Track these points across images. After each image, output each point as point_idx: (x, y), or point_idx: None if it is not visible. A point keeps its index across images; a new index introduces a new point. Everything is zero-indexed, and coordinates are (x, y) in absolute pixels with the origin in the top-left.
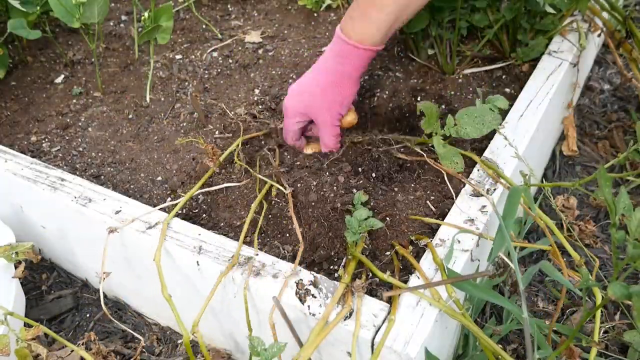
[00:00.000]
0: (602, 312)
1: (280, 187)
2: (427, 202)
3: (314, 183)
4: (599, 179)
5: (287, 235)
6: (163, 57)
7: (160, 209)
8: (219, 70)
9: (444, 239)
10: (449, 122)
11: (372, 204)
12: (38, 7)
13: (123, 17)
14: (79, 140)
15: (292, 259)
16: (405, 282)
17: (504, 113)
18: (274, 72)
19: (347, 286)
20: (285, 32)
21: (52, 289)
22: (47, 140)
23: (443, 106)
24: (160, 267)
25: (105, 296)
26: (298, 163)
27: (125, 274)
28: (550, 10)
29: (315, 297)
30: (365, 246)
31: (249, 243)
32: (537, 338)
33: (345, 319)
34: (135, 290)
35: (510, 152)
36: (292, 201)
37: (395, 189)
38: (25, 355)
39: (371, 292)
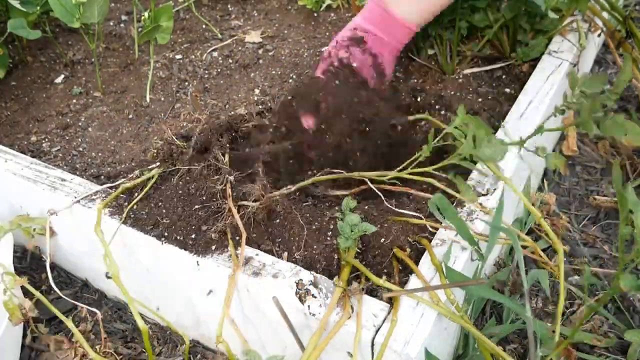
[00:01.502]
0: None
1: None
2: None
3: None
4: (613, 175)
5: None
6: (163, 57)
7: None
8: (219, 70)
9: (443, 239)
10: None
11: (363, 216)
12: (38, 7)
13: (123, 17)
14: (79, 140)
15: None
16: (406, 282)
17: (503, 113)
18: (274, 72)
19: (344, 290)
20: (285, 32)
21: (51, 289)
22: (47, 140)
23: (443, 111)
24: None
25: (105, 296)
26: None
27: (123, 273)
28: (552, 15)
29: (315, 297)
30: (362, 249)
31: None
32: (540, 336)
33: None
34: (135, 292)
35: (510, 152)
36: None
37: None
38: (14, 308)
39: (371, 292)
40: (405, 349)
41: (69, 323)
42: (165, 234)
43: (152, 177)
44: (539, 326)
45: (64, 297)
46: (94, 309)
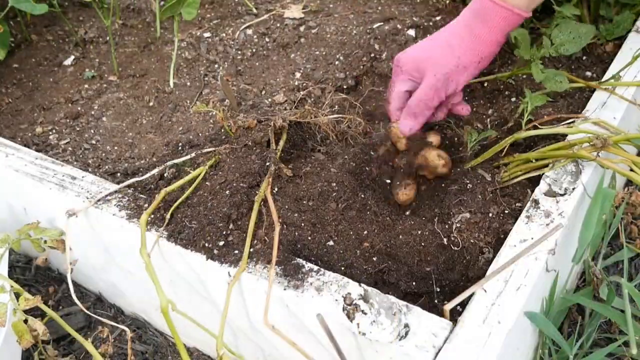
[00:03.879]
0: None
1: None
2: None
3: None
4: None
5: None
6: (189, 35)
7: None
8: (253, 50)
9: (513, 244)
10: (546, 44)
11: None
12: None
13: None
14: (92, 131)
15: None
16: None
17: (583, 100)
18: (317, 52)
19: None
20: (331, 6)
21: (60, 305)
22: (54, 131)
23: (513, 98)
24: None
25: (122, 312)
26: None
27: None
28: None
29: (365, 314)
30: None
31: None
32: None
33: (400, 339)
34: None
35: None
36: None
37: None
38: (23, 331)
39: (430, 308)
40: None
41: (88, 346)
42: (209, 245)
43: (197, 177)
44: None
45: (75, 313)
46: (124, 327)
